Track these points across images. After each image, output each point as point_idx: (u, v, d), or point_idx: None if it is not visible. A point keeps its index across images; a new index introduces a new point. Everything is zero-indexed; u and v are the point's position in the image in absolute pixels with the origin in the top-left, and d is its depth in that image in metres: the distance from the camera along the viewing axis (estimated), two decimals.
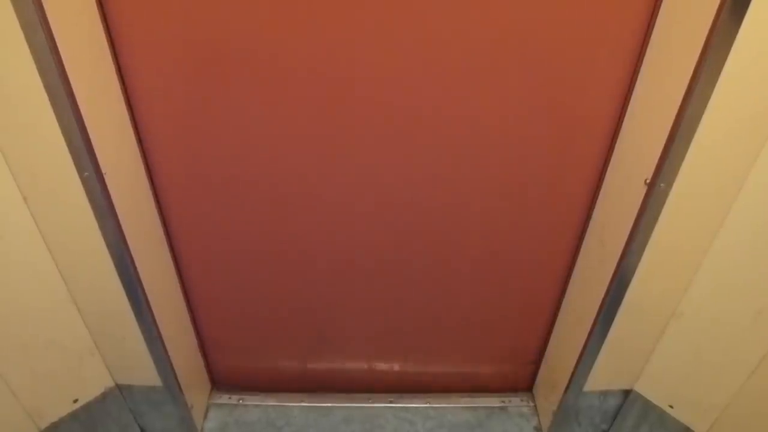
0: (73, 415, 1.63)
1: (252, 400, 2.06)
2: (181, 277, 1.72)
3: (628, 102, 1.31)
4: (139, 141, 1.39)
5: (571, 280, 1.71)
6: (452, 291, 1.77)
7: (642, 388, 1.72)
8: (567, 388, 1.72)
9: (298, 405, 2.04)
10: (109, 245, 1.32)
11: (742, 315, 1.42)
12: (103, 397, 1.68)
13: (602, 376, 1.67)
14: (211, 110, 1.34)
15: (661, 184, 1.22)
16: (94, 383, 1.65)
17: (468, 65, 1.27)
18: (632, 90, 1.29)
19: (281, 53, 1.25)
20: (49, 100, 1.08)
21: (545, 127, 1.38)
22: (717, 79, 1.08)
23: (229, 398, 2.06)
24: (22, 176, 1.21)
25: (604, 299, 1.47)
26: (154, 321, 1.51)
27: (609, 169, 1.43)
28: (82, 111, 1.12)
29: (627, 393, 1.75)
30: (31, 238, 1.30)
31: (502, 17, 1.20)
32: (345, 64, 1.27)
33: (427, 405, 2.05)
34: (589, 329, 1.56)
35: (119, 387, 1.70)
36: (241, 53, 1.25)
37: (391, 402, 2.05)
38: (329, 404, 2.04)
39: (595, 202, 1.51)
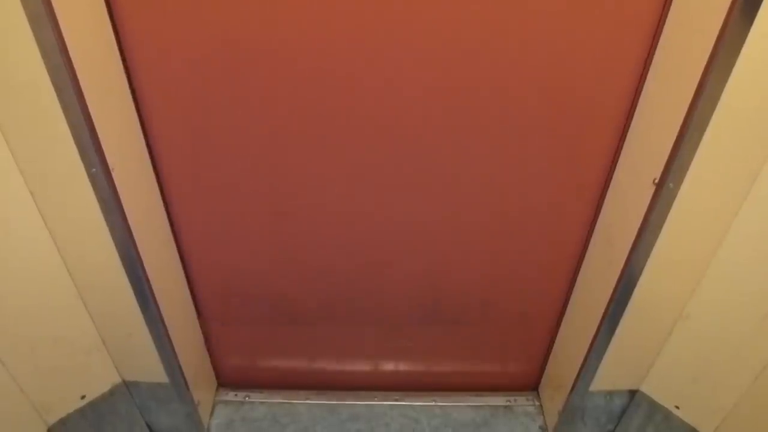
0: (81, 411, 1.64)
1: (258, 398, 2.06)
2: (188, 274, 1.72)
3: (637, 101, 1.31)
4: (146, 137, 1.39)
5: (577, 280, 1.71)
6: (459, 289, 1.77)
7: (648, 388, 1.72)
8: (573, 387, 1.72)
9: (304, 402, 2.04)
10: (116, 241, 1.32)
11: (749, 317, 1.42)
12: (110, 393, 1.69)
13: (608, 376, 1.67)
14: (217, 107, 1.34)
15: (670, 184, 1.22)
16: (101, 379, 1.66)
17: (477, 63, 1.27)
18: (642, 89, 1.29)
19: (286, 52, 1.25)
20: (57, 96, 1.08)
21: (553, 126, 1.37)
22: (727, 79, 1.07)
23: (236, 395, 2.07)
24: (30, 172, 1.21)
25: (610, 299, 1.47)
26: (161, 317, 1.52)
27: (617, 168, 1.43)
28: (89, 107, 1.12)
29: (633, 393, 1.75)
30: (38, 234, 1.30)
31: (513, 14, 1.20)
32: (350, 65, 1.27)
33: (433, 403, 2.05)
34: (595, 329, 1.56)
35: (126, 383, 1.71)
36: (247, 51, 1.25)
37: (396, 400, 2.06)
38: (335, 402, 2.04)
39: (603, 202, 1.51)
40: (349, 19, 1.21)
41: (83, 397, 1.63)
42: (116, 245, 1.33)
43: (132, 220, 1.32)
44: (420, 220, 1.58)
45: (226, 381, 2.11)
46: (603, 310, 1.51)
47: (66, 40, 1.04)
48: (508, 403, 2.06)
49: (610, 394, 1.76)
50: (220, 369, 2.07)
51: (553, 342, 1.92)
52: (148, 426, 1.88)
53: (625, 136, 1.37)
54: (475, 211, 1.55)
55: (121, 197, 1.27)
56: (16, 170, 1.20)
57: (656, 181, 1.25)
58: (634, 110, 1.33)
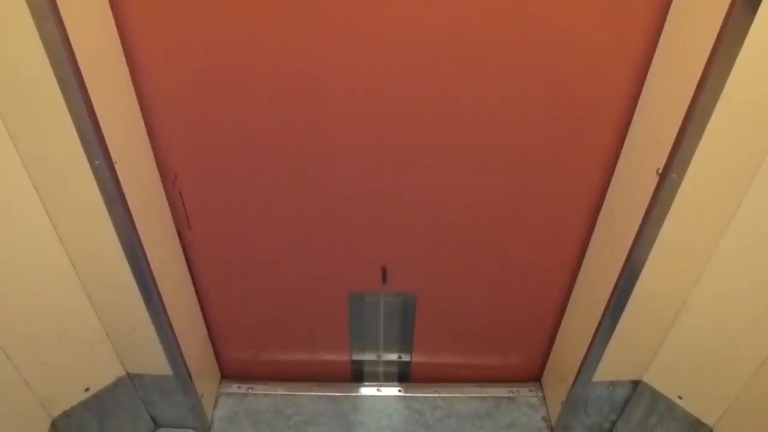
0: (85, 404, 1.64)
1: (261, 389, 2.07)
2: (191, 267, 1.73)
3: (641, 92, 1.31)
4: (148, 130, 1.39)
5: (580, 271, 1.71)
6: (461, 283, 1.77)
7: (651, 378, 1.72)
8: (576, 378, 1.72)
9: (307, 394, 2.05)
10: (119, 234, 1.32)
11: (751, 307, 1.42)
12: (114, 386, 1.69)
13: (611, 367, 1.67)
14: (218, 100, 1.34)
15: (673, 175, 1.22)
16: (105, 372, 1.66)
17: (485, 55, 1.27)
18: (645, 80, 1.29)
19: (286, 44, 1.25)
20: (60, 89, 1.08)
21: (556, 117, 1.37)
22: (730, 71, 1.07)
23: (239, 387, 2.08)
24: (34, 166, 1.21)
25: (613, 290, 1.47)
26: (165, 310, 1.52)
27: (620, 159, 1.43)
28: (93, 101, 1.12)
29: (636, 384, 1.76)
30: (42, 227, 1.30)
31: (519, 7, 1.20)
32: (347, 65, 1.28)
33: (436, 395, 2.05)
34: (598, 320, 1.56)
35: (130, 376, 1.72)
36: (248, 43, 1.25)
37: (400, 391, 2.06)
38: (338, 393, 2.05)
39: (606, 192, 1.51)
40: (346, 15, 1.21)
41: (87, 390, 1.64)
42: (120, 238, 1.33)
43: (135, 213, 1.32)
44: (423, 212, 1.58)
45: (229, 373, 2.12)
46: (606, 301, 1.51)
47: (69, 33, 1.04)
48: (510, 395, 2.07)
49: (613, 384, 1.76)
50: (224, 361, 2.08)
51: (556, 333, 1.93)
52: (152, 418, 1.88)
53: (629, 126, 1.37)
54: (478, 203, 1.56)
55: (124, 190, 1.27)
56: (20, 164, 1.20)
57: (659, 171, 1.25)
58: (637, 101, 1.32)
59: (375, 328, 1.94)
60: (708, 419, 1.66)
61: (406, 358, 2.04)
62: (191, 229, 1.61)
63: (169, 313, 1.54)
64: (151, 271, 1.43)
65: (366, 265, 1.73)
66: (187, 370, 1.70)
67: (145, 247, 1.38)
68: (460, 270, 1.74)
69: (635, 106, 1.34)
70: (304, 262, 1.72)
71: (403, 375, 2.10)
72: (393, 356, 2.04)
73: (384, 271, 1.74)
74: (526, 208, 1.57)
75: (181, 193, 1.52)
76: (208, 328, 1.93)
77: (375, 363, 2.06)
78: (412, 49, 1.26)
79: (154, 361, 1.64)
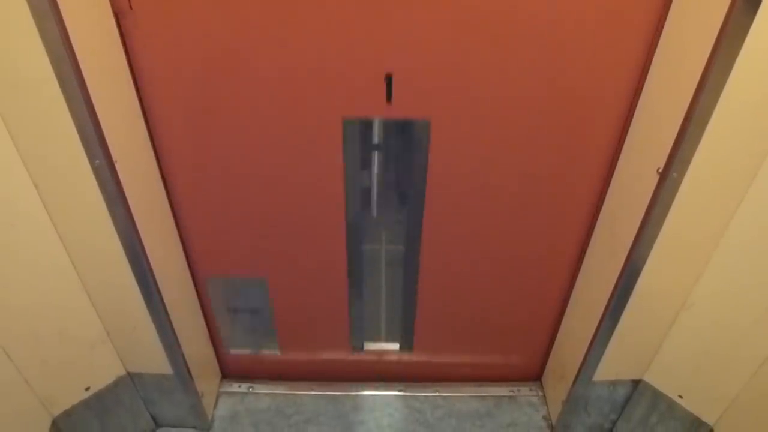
0: (85, 403, 1.64)
1: (262, 389, 2.07)
2: (192, 266, 1.73)
3: (641, 90, 1.31)
4: (149, 130, 1.39)
5: (581, 270, 1.71)
6: (462, 281, 1.77)
7: (651, 378, 1.72)
8: (576, 377, 1.72)
9: (307, 393, 2.05)
10: (120, 233, 1.32)
11: (752, 307, 1.42)
12: (115, 385, 1.69)
13: (611, 366, 1.67)
14: (218, 100, 1.34)
15: (674, 174, 1.22)
16: (105, 371, 1.66)
17: (484, 55, 1.27)
18: (645, 78, 1.29)
19: (283, 52, 1.26)
20: (62, 90, 1.08)
21: (557, 117, 1.37)
22: (730, 70, 1.07)
23: (239, 386, 2.08)
24: (35, 165, 1.21)
25: (614, 289, 1.47)
26: (165, 309, 1.52)
27: (621, 158, 1.43)
28: (93, 101, 1.12)
29: (636, 383, 1.75)
30: (42, 226, 1.30)
31: (519, 5, 1.20)
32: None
33: (437, 394, 2.05)
34: (598, 319, 1.56)
35: (130, 375, 1.72)
36: (245, 47, 1.26)
37: (400, 391, 2.06)
38: (339, 392, 2.05)
39: (606, 192, 1.51)
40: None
41: (88, 389, 1.64)
42: (120, 238, 1.33)
43: (135, 212, 1.32)
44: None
45: (230, 372, 2.12)
46: (606, 300, 1.51)
47: (69, 32, 1.04)
48: (511, 394, 2.07)
49: (614, 383, 1.76)
50: (224, 360, 2.08)
51: (557, 332, 1.93)
52: (153, 417, 1.88)
53: (629, 125, 1.37)
54: (479, 202, 1.56)
55: (124, 189, 1.27)
56: (20, 163, 1.20)
57: (660, 170, 1.25)
58: (638, 100, 1.32)
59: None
60: (708, 418, 1.66)
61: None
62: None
63: (169, 313, 1.54)
64: (151, 271, 1.43)
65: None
66: (188, 369, 1.70)
67: (145, 247, 1.38)
68: (461, 270, 1.74)
69: (635, 106, 1.33)
70: (307, 261, 1.72)
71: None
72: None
73: (389, 80, 1.31)
74: (527, 208, 1.57)
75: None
76: (209, 328, 1.93)
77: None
78: (411, 48, 1.26)
79: (155, 361, 1.64)
